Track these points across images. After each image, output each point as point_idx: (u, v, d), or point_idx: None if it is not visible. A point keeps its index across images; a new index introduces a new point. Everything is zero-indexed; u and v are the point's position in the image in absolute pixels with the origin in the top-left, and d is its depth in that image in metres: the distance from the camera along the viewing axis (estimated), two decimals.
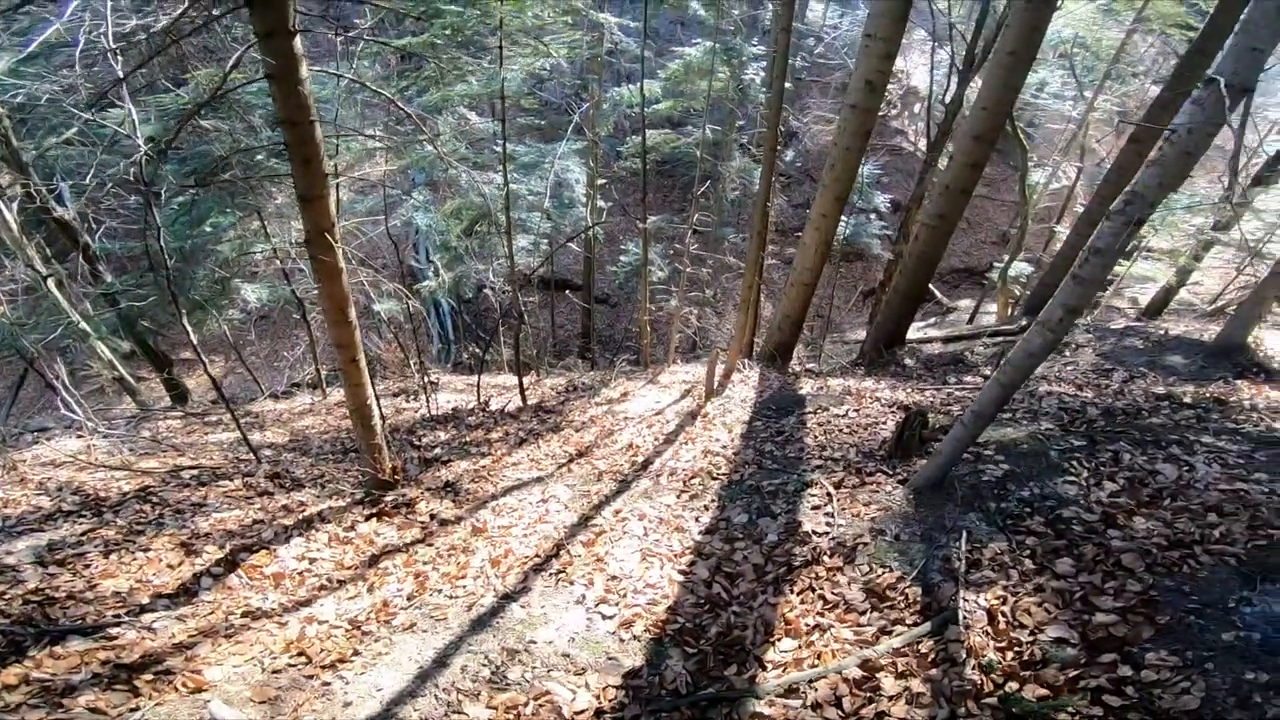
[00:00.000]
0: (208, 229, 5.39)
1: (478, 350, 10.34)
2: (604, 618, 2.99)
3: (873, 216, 13.47)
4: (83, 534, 3.52)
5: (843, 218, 7.34)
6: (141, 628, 2.80)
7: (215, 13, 2.71)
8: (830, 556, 3.07)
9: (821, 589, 2.89)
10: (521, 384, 6.73)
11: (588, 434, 5.65)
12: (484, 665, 2.66)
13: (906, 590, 2.68)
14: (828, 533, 3.27)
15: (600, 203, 11.25)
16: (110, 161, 4.70)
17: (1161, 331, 6.44)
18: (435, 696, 2.49)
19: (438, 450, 5.45)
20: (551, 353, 12.10)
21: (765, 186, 6.14)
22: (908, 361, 7.12)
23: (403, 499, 4.27)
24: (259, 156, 4.68)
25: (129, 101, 2.94)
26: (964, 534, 2.87)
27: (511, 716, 2.40)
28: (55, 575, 3.12)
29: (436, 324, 12.87)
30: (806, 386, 6.00)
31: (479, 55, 6.47)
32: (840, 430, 4.66)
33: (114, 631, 2.73)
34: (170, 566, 3.34)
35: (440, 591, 3.25)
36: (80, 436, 5.21)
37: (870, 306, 11.04)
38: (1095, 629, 2.17)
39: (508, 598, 3.16)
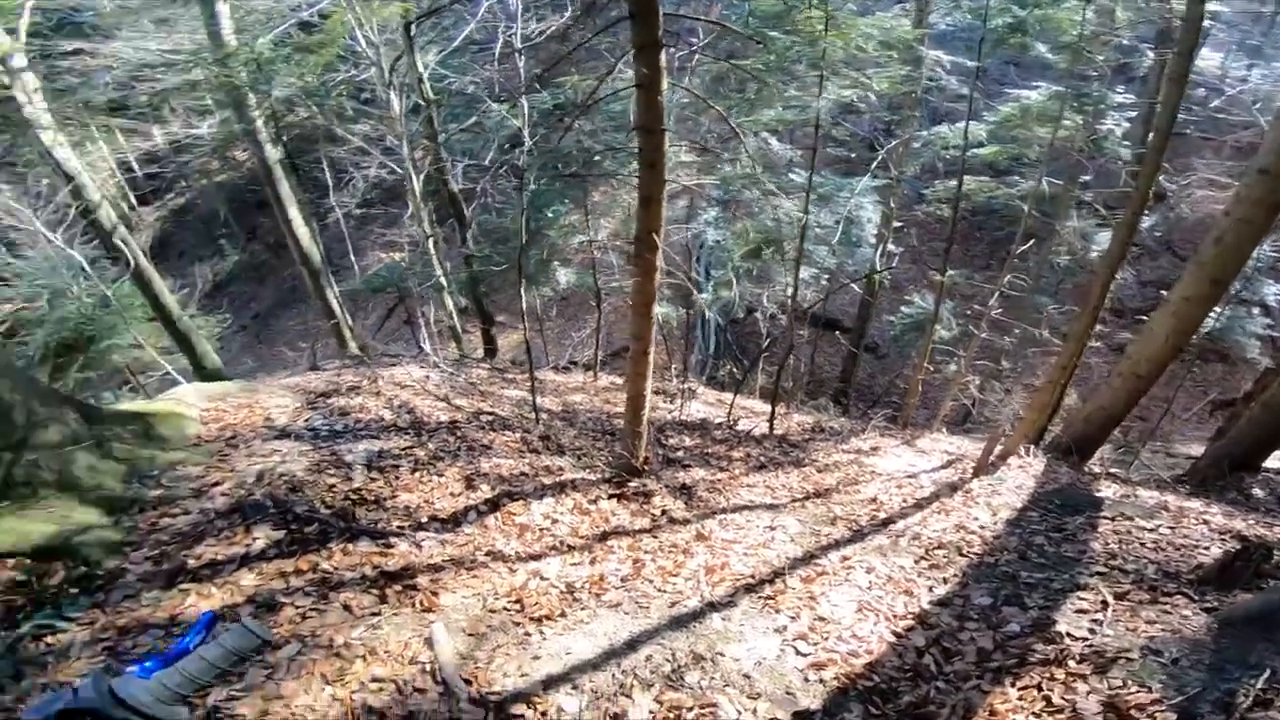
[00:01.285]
0: (549, 214, 6.42)
1: (735, 370, 10.54)
2: (798, 653, 2.85)
3: (1255, 311, 10.38)
4: (403, 449, 4.31)
5: (1215, 307, 5.79)
6: (413, 543, 3.37)
7: (601, 23, 3.19)
8: (1078, 662, 2.54)
9: (1050, 691, 2.41)
10: (773, 412, 6.67)
11: (829, 477, 5.36)
12: (667, 660, 2.70)
13: (1158, 715, 2.13)
14: (1086, 639, 2.68)
15: (891, 246, 10.61)
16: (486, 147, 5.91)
17: None
18: (613, 675, 2.59)
19: (680, 454, 5.68)
20: (805, 389, 11.79)
21: (1117, 254, 5.14)
22: (1257, 491, 5.42)
23: (643, 489, 4.53)
24: (596, 157, 5.42)
25: (524, 100, 3.63)
26: (1268, 671, 2.20)
27: (673, 716, 2.41)
28: (374, 480, 3.86)
29: (701, 336, 13.45)
30: (1106, 490, 4.90)
31: (789, 82, 6.55)
32: (1142, 544, 3.74)
33: (393, 541, 3.34)
34: (452, 495, 3.96)
35: (652, 582, 3.37)
36: (422, 367, 6.59)
37: (1221, 420, 8.54)
38: None
39: (711, 606, 3.15)
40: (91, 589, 2.86)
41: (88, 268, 7.36)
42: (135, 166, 17.58)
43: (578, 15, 3.00)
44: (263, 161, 8.91)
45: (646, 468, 4.74)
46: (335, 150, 9.78)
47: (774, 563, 3.69)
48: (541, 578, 3.30)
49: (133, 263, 7.88)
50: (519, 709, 2.41)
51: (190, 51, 8.55)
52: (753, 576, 3.51)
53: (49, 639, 2.68)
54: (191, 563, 3.01)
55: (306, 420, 4.33)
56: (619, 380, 8.04)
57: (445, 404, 5.49)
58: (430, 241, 8.86)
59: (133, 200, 19.26)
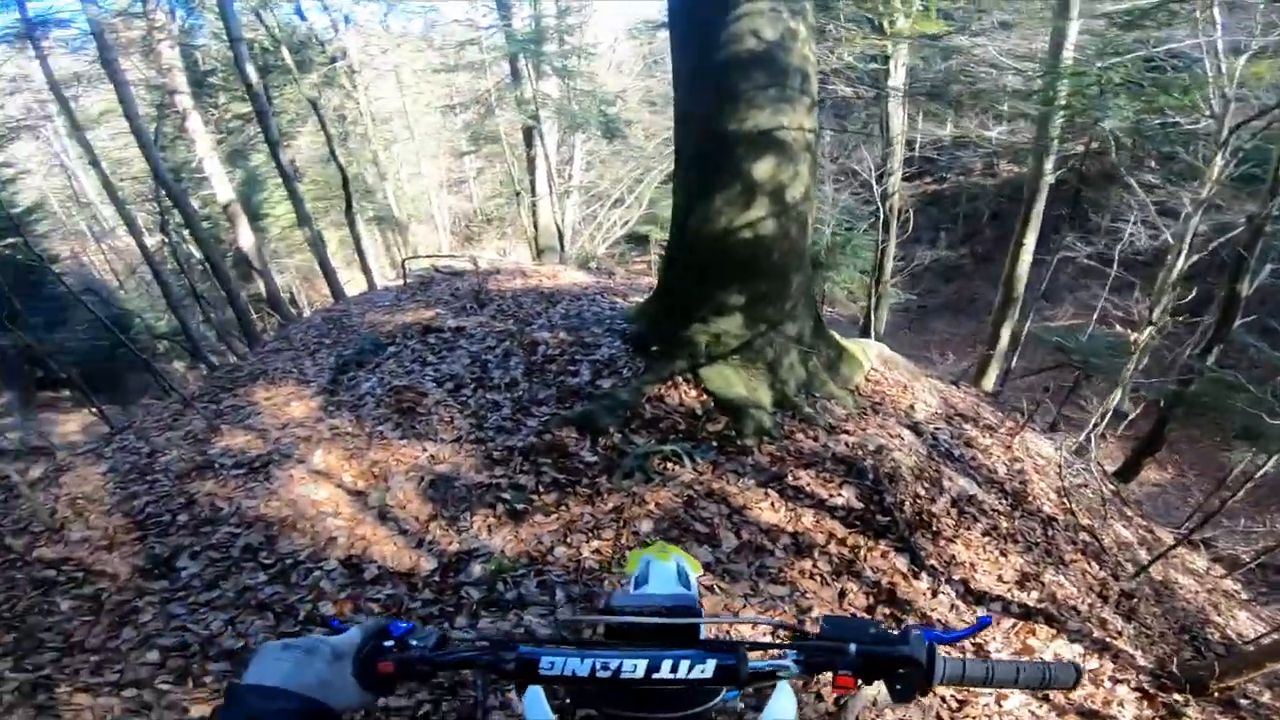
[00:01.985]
0: None
1: None
2: None
3: None
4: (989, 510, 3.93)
5: None
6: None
7: None
8: None
9: None
10: None
11: None
12: None
13: None
14: None
15: None
16: None
17: None
18: None
19: None
20: None
21: None
22: None
23: None
24: None
25: None
26: None
27: None
28: (942, 518, 3.65)
29: None
30: None
31: None
32: None
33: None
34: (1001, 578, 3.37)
35: None
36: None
37: None
38: None
39: None
40: (721, 451, 3.72)
41: None
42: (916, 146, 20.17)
43: None
44: (1035, 177, 8.77)
45: None
46: (1127, 197, 8.76)
47: None
48: None
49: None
50: None
51: (1022, 58, 8.80)
52: None
53: (671, 465, 3.66)
54: (789, 480, 3.55)
55: (936, 429, 4.34)
56: None
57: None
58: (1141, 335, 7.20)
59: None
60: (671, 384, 4.15)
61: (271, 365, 5.73)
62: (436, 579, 2.93)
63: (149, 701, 2.22)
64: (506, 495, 3.41)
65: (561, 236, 10.75)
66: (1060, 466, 4.53)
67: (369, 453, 3.82)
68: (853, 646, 0.74)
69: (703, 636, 0.87)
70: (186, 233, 12.13)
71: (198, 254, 14.02)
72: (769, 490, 3.49)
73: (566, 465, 3.66)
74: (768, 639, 1.01)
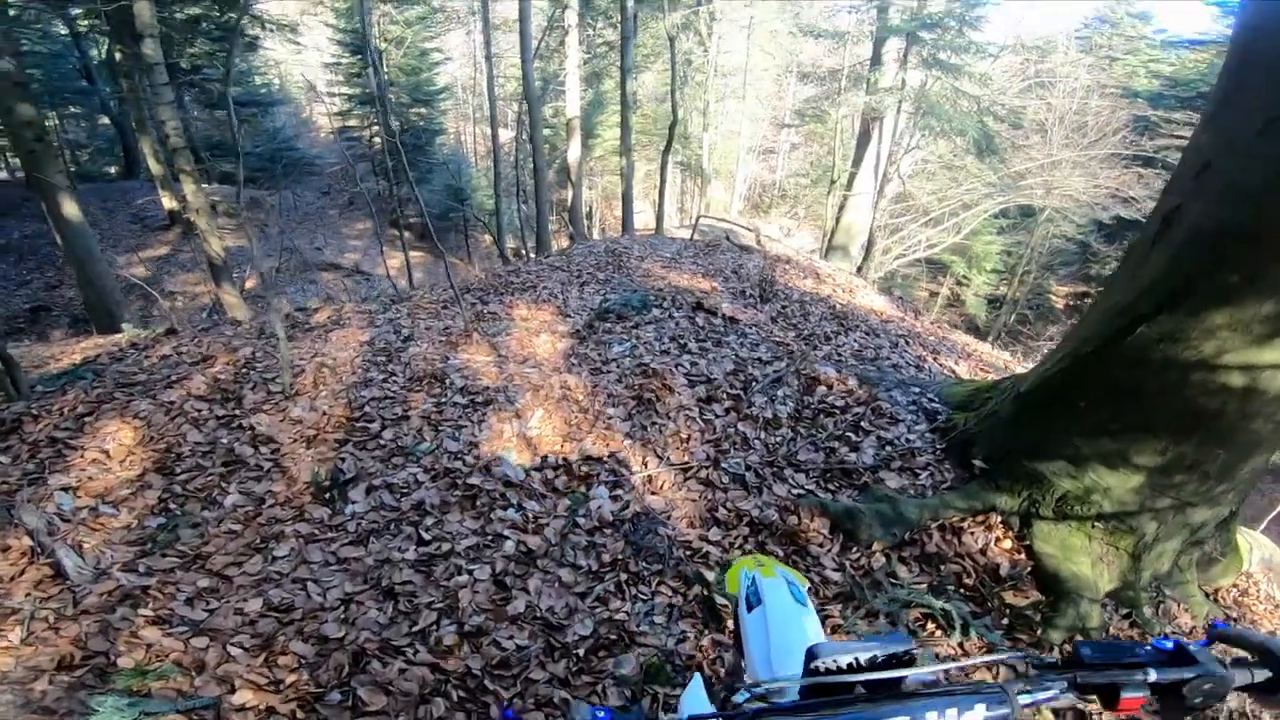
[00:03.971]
0: None
1: None
2: None
3: None
4: None
5: None
6: None
7: None
8: None
9: None
10: None
11: None
12: None
13: None
14: None
15: None
16: None
17: None
18: None
19: None
20: None
21: None
22: None
23: None
24: None
25: None
26: None
27: None
28: None
29: None
30: None
31: None
32: None
33: None
34: None
35: None
36: None
37: None
38: None
39: None
40: (1009, 634, 2.28)
41: None
42: None
43: None
44: None
45: None
46: None
47: None
48: None
49: None
50: None
51: None
52: None
53: (933, 627, 2.34)
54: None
55: None
56: None
57: None
58: None
59: None
60: (983, 522, 2.79)
61: (543, 283, 5.50)
62: (579, 653, 2.12)
63: (205, 662, 1.77)
64: (710, 576, 2.47)
65: (870, 246, 9.12)
66: None
67: (586, 439, 3.15)
68: (1153, 673, 0.68)
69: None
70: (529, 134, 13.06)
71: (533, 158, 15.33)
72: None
73: (797, 565, 2.59)
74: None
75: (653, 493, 2.94)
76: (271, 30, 16.32)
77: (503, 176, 13.05)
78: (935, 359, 4.20)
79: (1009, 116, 10.33)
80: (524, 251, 14.21)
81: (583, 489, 2.95)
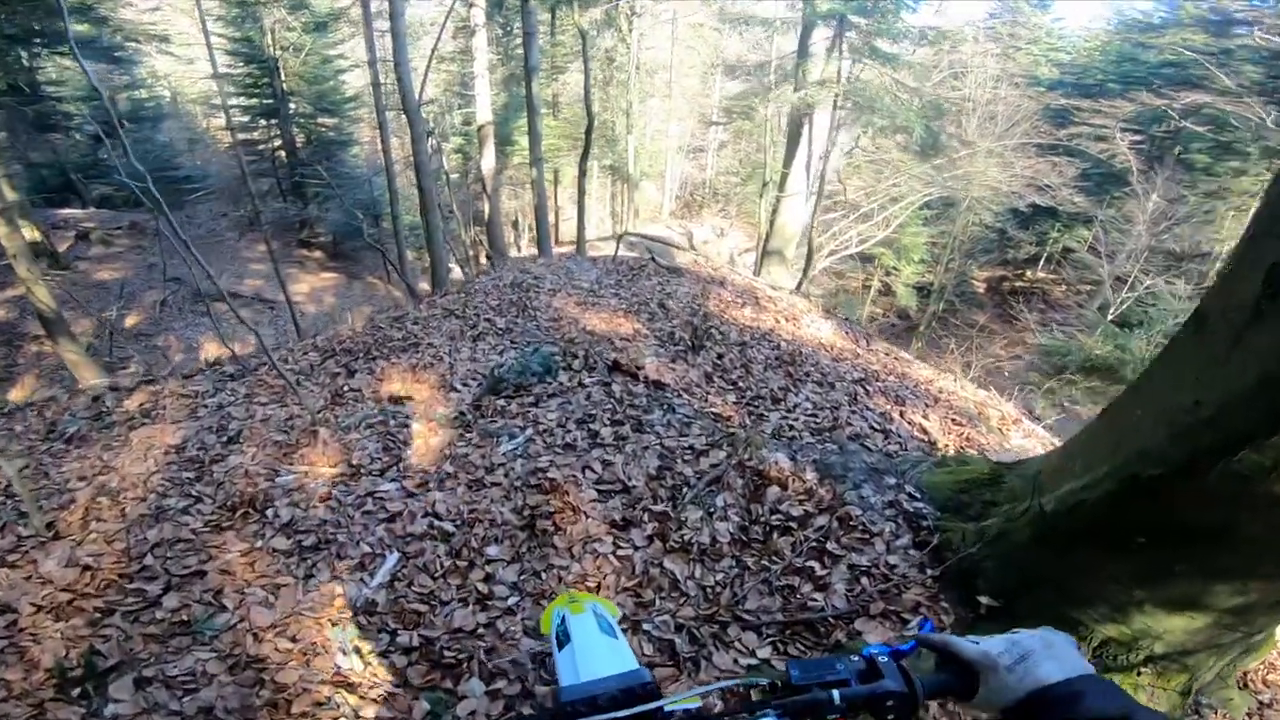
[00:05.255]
0: None
1: None
2: None
3: None
4: None
5: None
6: None
7: None
8: None
9: None
10: None
11: None
12: None
13: None
14: None
15: None
16: None
17: None
18: None
19: None
20: None
21: None
22: None
23: None
24: None
25: None
26: None
27: None
28: None
29: None
30: None
31: None
32: None
33: None
34: None
35: None
36: None
37: None
38: None
39: None
40: None
41: None
42: None
43: None
44: None
45: None
46: None
47: None
48: None
49: None
50: None
51: None
52: None
53: None
54: None
55: None
56: None
57: None
58: None
59: None
60: None
61: (429, 336, 4.43)
62: None
63: None
64: None
65: (810, 256, 8.35)
66: None
67: (454, 600, 2.17)
68: (836, 694, 0.65)
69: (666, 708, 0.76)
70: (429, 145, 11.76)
71: (447, 166, 14.00)
72: None
73: None
74: None
75: (547, 682, 2.01)
76: (136, 41, 14.31)
77: (402, 194, 11.71)
78: (902, 414, 3.41)
79: (928, 110, 9.88)
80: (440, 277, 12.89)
81: (448, 684, 1.99)
